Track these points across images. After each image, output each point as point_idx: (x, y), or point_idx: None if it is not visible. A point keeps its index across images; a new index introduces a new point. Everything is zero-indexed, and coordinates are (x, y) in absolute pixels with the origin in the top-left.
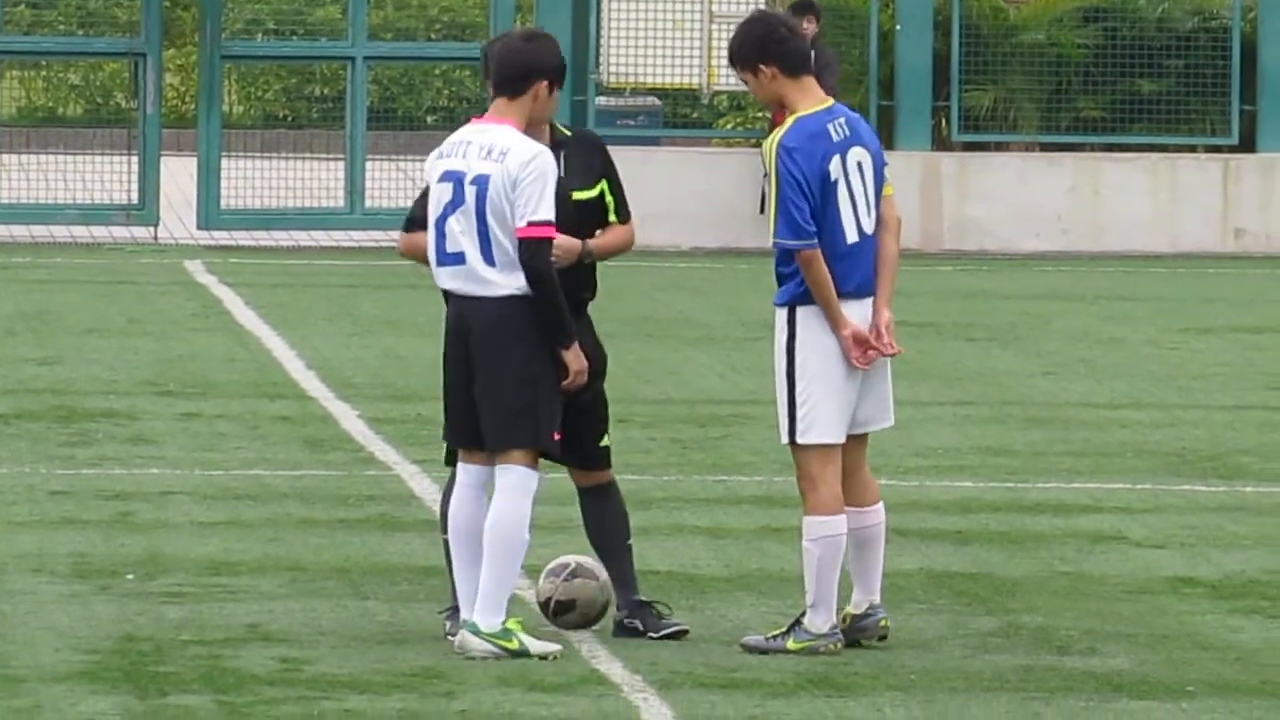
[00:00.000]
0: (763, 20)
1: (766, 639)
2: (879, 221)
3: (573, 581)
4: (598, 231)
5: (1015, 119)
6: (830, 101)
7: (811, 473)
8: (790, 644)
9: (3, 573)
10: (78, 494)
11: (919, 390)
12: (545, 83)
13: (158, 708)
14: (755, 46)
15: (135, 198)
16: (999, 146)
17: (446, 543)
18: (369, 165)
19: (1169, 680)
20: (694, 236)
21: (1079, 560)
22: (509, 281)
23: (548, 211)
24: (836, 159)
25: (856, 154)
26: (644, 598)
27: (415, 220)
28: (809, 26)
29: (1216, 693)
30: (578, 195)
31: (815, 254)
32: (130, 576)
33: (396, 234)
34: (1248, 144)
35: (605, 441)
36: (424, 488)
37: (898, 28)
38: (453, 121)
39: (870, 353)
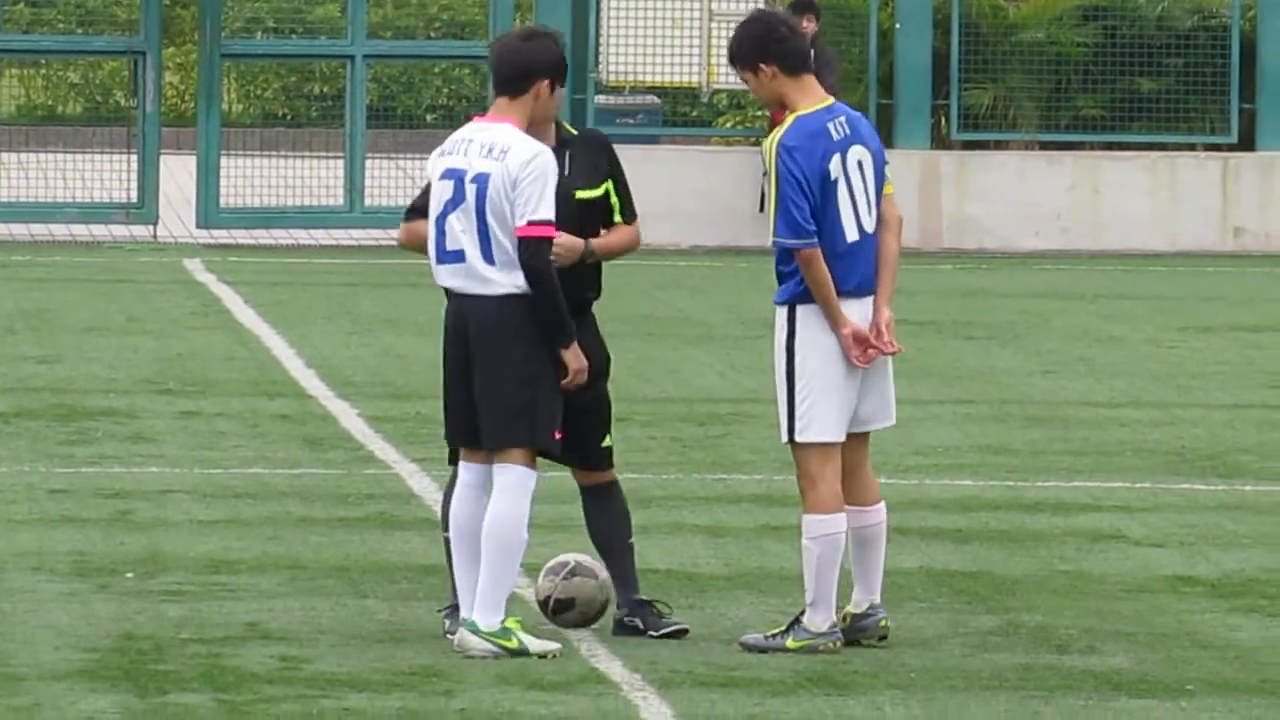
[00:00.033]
0: (762, 19)
1: (766, 637)
2: (880, 220)
3: (572, 580)
4: (602, 231)
5: (1015, 117)
6: (831, 100)
7: (811, 471)
8: (789, 642)
9: (2, 571)
10: (77, 492)
11: (918, 389)
12: (546, 82)
13: (157, 706)
14: (755, 46)
15: (135, 196)
16: (998, 145)
17: (447, 541)
18: (368, 164)
19: (1168, 679)
20: (693, 235)
21: (1078, 559)
22: (508, 280)
23: (548, 211)
24: (836, 158)
25: (857, 153)
26: (644, 596)
27: (416, 210)
28: (808, 25)
29: (1216, 691)
30: (581, 194)
31: (815, 253)
32: (130, 575)
33: (396, 232)
34: (1247, 142)
35: (608, 441)
36: (423, 486)
37: (897, 26)
38: (452, 120)
39: (870, 351)
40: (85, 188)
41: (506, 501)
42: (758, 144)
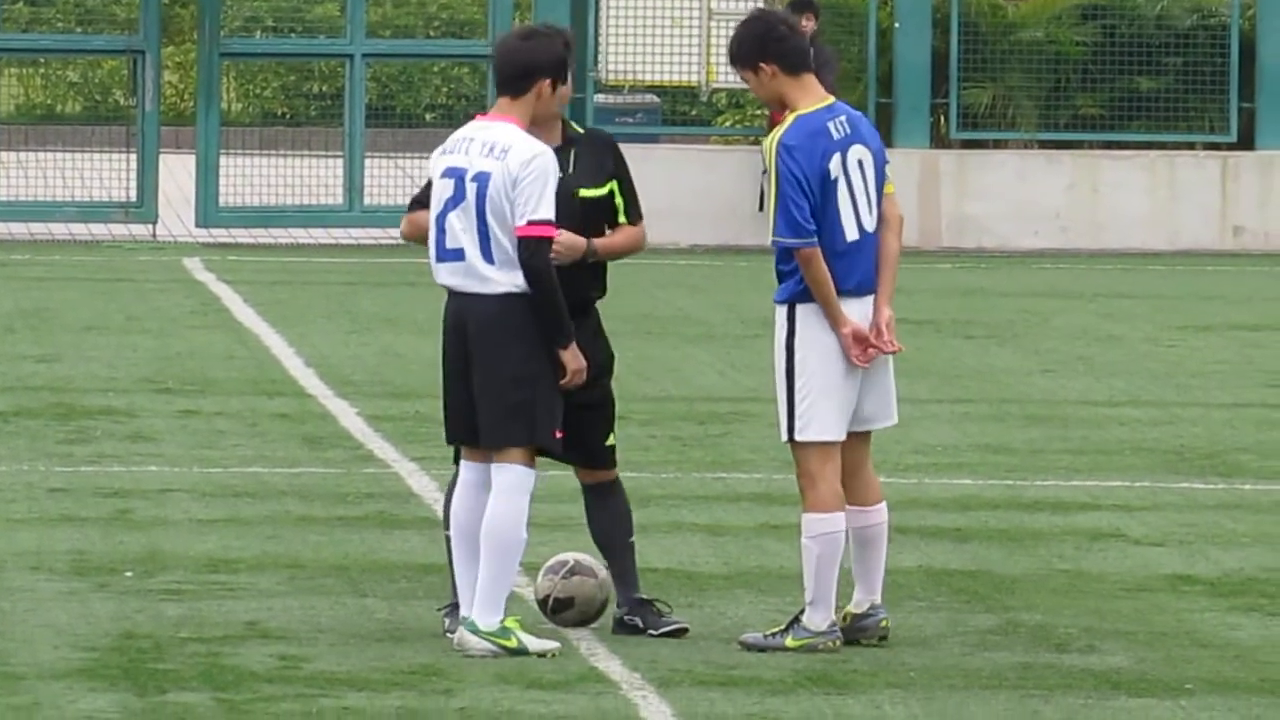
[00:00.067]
0: (762, 19)
1: (765, 636)
2: (881, 219)
3: (571, 579)
4: (607, 231)
5: (1014, 116)
6: (831, 99)
7: (811, 470)
8: (789, 641)
9: (1, 570)
10: (76, 491)
11: (918, 388)
12: (547, 81)
13: (156, 705)
14: (755, 45)
15: (134, 195)
16: (997, 144)
17: (449, 539)
18: (368, 163)
19: (1168, 678)
20: (693, 234)
21: (1078, 558)
22: (507, 279)
23: (548, 211)
24: (837, 157)
25: (857, 152)
26: (644, 595)
27: (419, 201)
28: (808, 24)
29: (1215, 690)
30: (585, 192)
31: (815, 252)
32: (129, 574)
33: (395, 231)
34: (1246, 141)
35: (611, 440)
36: (422, 485)
37: (896, 25)
38: (451, 119)
39: (870, 351)
40: (84, 187)
41: (505, 501)
42: (757, 143)
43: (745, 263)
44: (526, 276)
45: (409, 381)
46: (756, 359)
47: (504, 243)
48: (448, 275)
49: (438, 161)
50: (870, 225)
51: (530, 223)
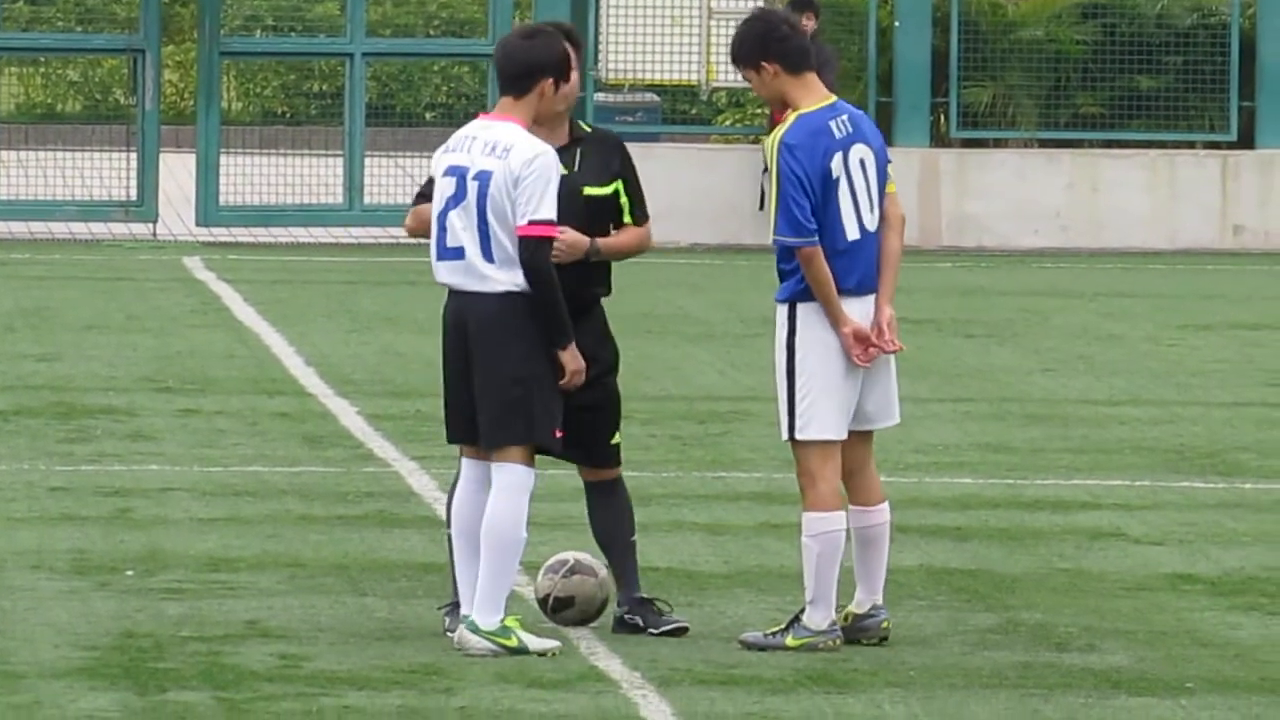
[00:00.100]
0: (764, 18)
1: (765, 635)
2: (882, 218)
3: (572, 578)
4: (612, 231)
5: (1014, 115)
6: (833, 98)
7: (811, 469)
8: (789, 640)
9: (2, 569)
10: (77, 490)
11: (918, 387)
12: (550, 80)
13: (157, 704)
14: (757, 44)
15: (134, 194)
16: (998, 143)
17: (451, 538)
18: (368, 162)
19: (1168, 677)
20: (693, 233)
21: (1078, 557)
22: (507, 278)
23: (549, 211)
24: (838, 156)
25: (859, 151)
26: (644, 594)
27: (424, 195)
28: (808, 23)
29: (1215, 689)
30: (590, 191)
31: (816, 251)
32: (129, 573)
33: (395, 230)
34: (1246, 140)
35: (617, 439)
36: (423, 484)
37: (896, 24)
38: (451, 118)
39: (871, 350)
40: (85, 186)
41: (505, 500)
42: (757, 142)
43: (745, 262)
44: (527, 276)
45: (409, 380)
46: (756, 358)
47: (504, 242)
48: (448, 274)
49: (440, 159)
50: (871, 224)
51: (531, 222)
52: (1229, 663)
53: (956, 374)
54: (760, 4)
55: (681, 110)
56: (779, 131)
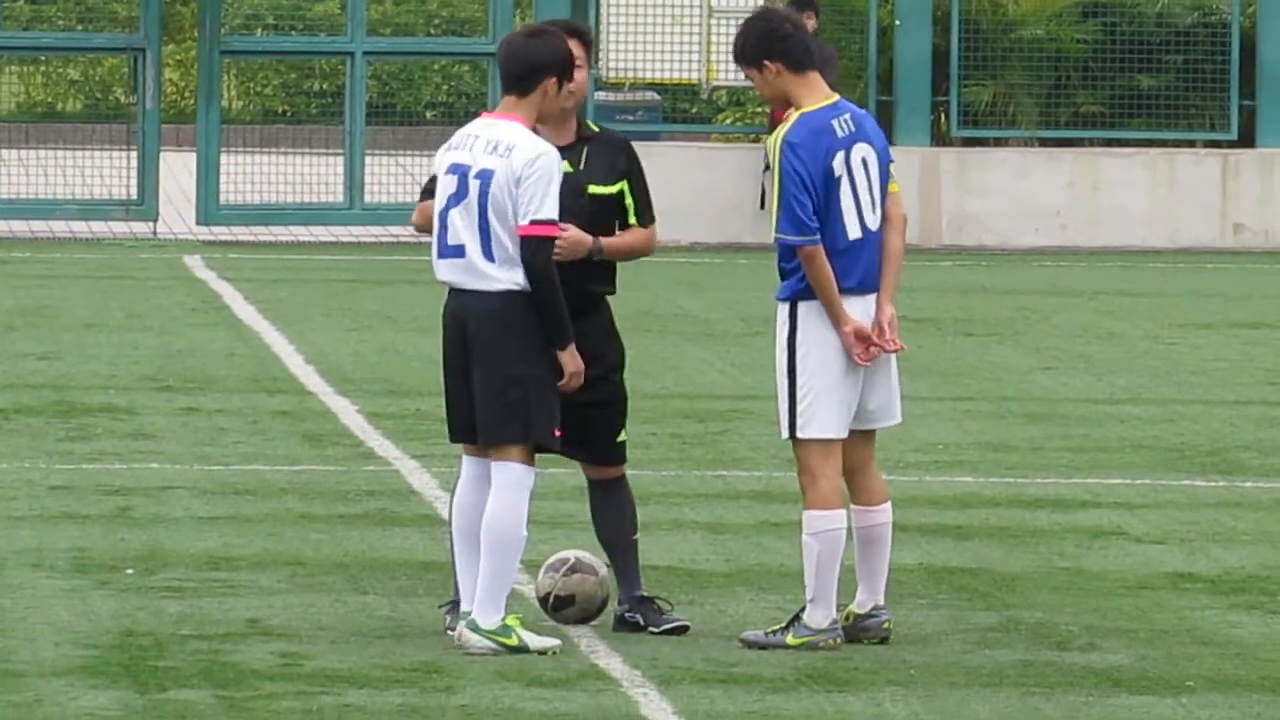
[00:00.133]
0: (767, 17)
1: (766, 634)
2: (884, 218)
3: (572, 576)
4: (617, 231)
5: (1014, 114)
6: (836, 97)
7: (811, 467)
8: (790, 639)
9: (2, 568)
10: (77, 489)
11: (919, 385)
12: (553, 79)
13: (157, 702)
14: (759, 43)
15: (134, 193)
16: (998, 142)
17: (451, 535)
18: (368, 160)
19: (1168, 675)
20: (693, 232)
21: (1078, 556)
22: (508, 276)
23: (550, 210)
24: (840, 155)
25: (861, 150)
26: (645, 593)
27: (430, 191)
28: (809, 22)
29: (1216, 688)
30: (594, 189)
31: (817, 250)
32: (130, 571)
33: (396, 229)
34: (1247, 139)
35: (622, 437)
36: (423, 483)
37: (897, 23)
38: (452, 117)
39: (872, 349)
40: (85, 184)
41: (504, 499)
42: (757, 140)
43: (746, 260)
44: (528, 276)
45: (409, 379)
46: (757, 357)
47: (505, 241)
48: (448, 272)
49: (443, 157)
50: (873, 223)
51: (533, 222)
52: (1230, 661)
53: (957, 373)
54: (761, 2)
55: (682, 109)
56: (781, 130)
